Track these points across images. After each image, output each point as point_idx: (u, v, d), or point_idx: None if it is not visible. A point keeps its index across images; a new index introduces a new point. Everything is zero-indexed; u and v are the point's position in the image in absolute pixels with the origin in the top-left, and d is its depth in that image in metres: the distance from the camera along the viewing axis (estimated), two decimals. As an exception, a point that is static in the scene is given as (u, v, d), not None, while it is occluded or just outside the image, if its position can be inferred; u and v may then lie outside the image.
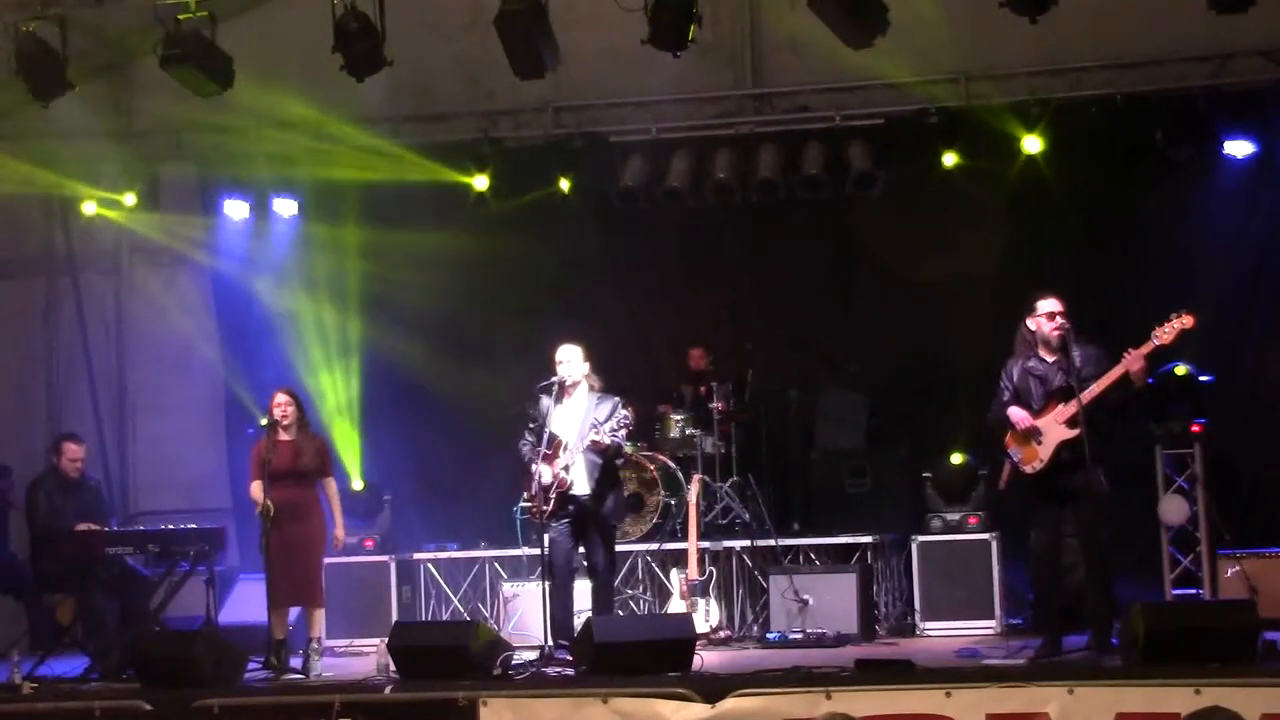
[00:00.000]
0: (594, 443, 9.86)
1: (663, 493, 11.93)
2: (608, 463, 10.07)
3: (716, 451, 12.19)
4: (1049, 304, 9.28)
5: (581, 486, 9.97)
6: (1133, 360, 8.96)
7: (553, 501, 9.91)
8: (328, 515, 10.48)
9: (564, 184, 12.77)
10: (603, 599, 10.14)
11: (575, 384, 10.10)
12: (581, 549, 10.16)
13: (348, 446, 12.83)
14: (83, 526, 10.77)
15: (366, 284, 13.42)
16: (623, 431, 10.01)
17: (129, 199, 13.32)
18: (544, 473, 9.88)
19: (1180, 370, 11.38)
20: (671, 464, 12.13)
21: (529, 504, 10.16)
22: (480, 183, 12.83)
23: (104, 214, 13.54)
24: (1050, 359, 9.26)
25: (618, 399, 10.11)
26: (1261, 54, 11.79)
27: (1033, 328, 9.32)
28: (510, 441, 10.45)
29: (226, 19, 11.67)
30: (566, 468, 9.92)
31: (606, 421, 9.91)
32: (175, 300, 14.09)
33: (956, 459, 11.89)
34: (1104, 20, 12.01)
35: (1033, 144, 12.03)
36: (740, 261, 13.06)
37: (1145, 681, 7.99)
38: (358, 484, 12.64)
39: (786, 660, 9.46)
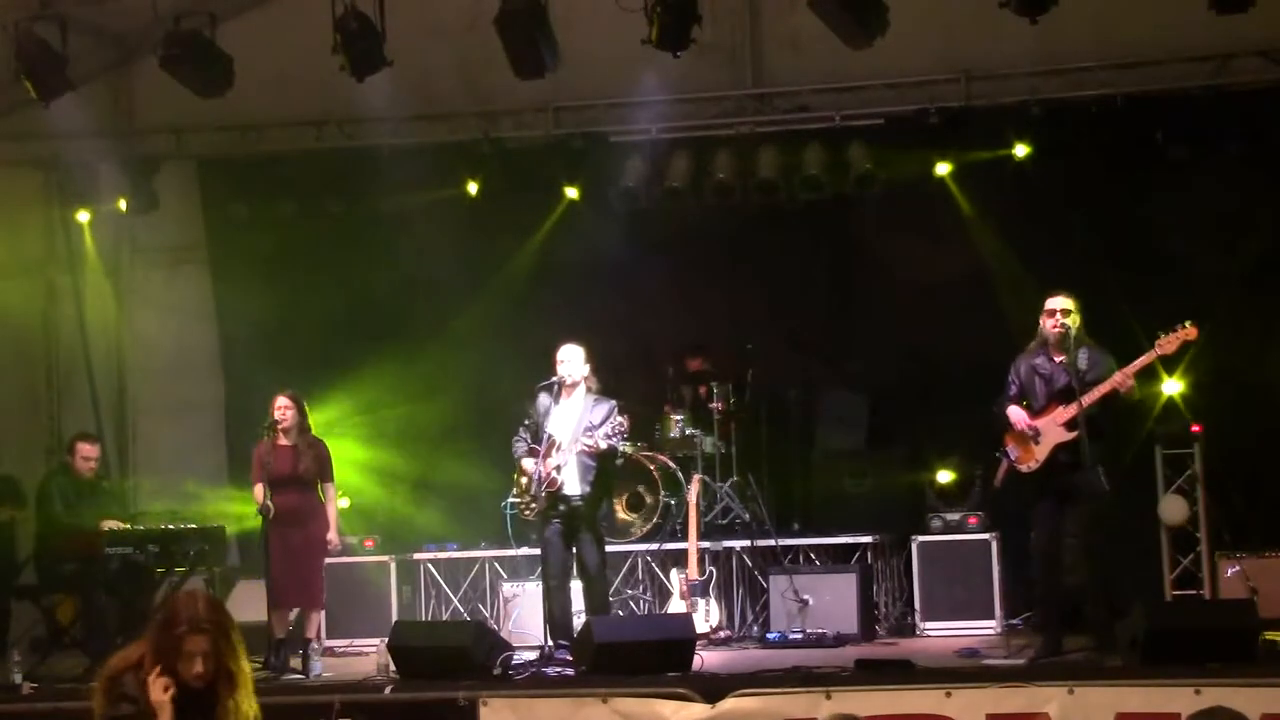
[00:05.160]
0: (587, 447, 9.88)
1: (663, 493, 11.92)
2: (602, 465, 10.07)
3: (716, 451, 12.19)
4: (1054, 301, 9.33)
5: (573, 487, 9.97)
6: (1122, 379, 9.01)
7: (543, 499, 9.92)
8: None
9: (571, 191, 12.79)
10: (597, 599, 10.13)
11: (574, 384, 10.11)
12: (574, 549, 10.16)
13: (348, 448, 12.80)
14: (109, 524, 10.79)
15: (366, 283, 13.42)
16: (617, 438, 10.01)
17: (126, 201, 13.27)
18: (531, 468, 9.89)
19: (1175, 394, 11.41)
20: (671, 464, 12.12)
21: (518, 499, 10.18)
22: (478, 184, 12.83)
23: (104, 214, 13.52)
24: (1058, 359, 9.29)
25: (614, 402, 10.11)
26: (1261, 54, 11.78)
27: (1041, 323, 9.35)
28: (510, 441, 10.45)
29: (226, 19, 11.69)
30: (559, 467, 9.92)
31: (601, 426, 9.91)
32: (175, 300, 14.09)
33: (945, 476, 11.92)
34: (1104, 20, 12.01)
35: (1032, 144, 12.03)
36: (740, 261, 13.04)
37: (1145, 681, 8.01)
38: (344, 501, 12.47)
39: (786, 660, 9.47)
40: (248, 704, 5.68)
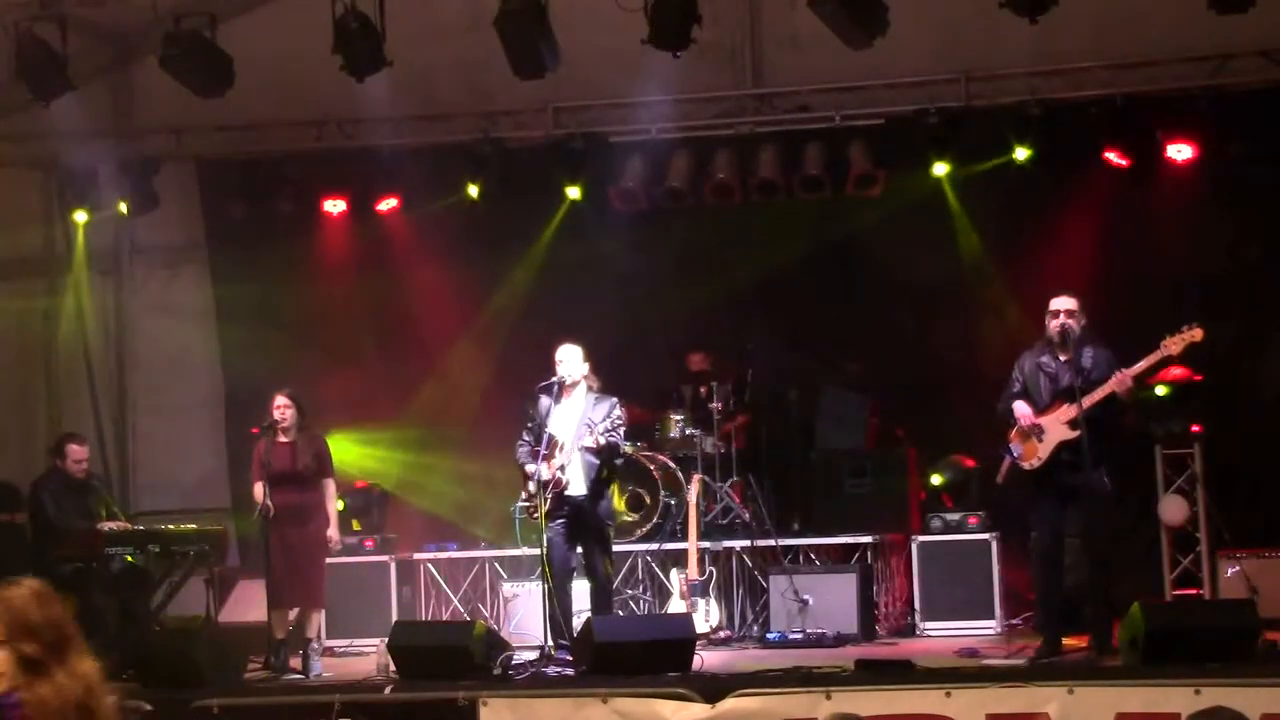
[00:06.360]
0: (588, 446, 9.86)
1: (663, 493, 11.92)
2: (604, 463, 10.06)
3: (716, 451, 12.18)
4: (1058, 301, 9.35)
5: (577, 486, 9.96)
6: (1120, 381, 9.02)
7: (549, 500, 9.90)
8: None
9: (573, 191, 12.78)
10: (602, 600, 10.13)
11: (574, 384, 10.10)
12: (579, 550, 10.15)
13: (348, 449, 12.81)
14: (110, 525, 10.76)
15: (365, 283, 13.42)
16: (617, 433, 9.99)
17: (126, 203, 13.24)
18: (541, 471, 9.88)
19: (1162, 390, 11.40)
20: (671, 464, 12.12)
21: (527, 503, 10.16)
22: (478, 184, 12.82)
23: (103, 214, 13.50)
24: (1064, 358, 9.29)
25: (614, 400, 10.11)
26: (1261, 54, 11.77)
27: (1047, 323, 9.37)
28: (511, 441, 10.44)
29: (226, 19, 11.69)
30: (563, 467, 9.91)
31: (601, 422, 9.91)
32: (175, 300, 14.09)
33: (936, 480, 11.93)
34: (1104, 20, 12.00)
35: (1032, 144, 12.01)
36: (740, 262, 13.04)
37: (1145, 681, 8.01)
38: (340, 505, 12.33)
39: (786, 660, 9.46)
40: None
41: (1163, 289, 11.72)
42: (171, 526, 10.99)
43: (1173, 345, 9.06)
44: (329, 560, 10.72)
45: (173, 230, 14.01)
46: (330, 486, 10.57)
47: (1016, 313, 11.41)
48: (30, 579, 4.71)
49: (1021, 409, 9.34)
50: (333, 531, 10.49)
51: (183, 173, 13.73)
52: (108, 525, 10.87)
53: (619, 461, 10.63)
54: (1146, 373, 9.34)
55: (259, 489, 10.20)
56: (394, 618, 11.48)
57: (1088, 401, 9.06)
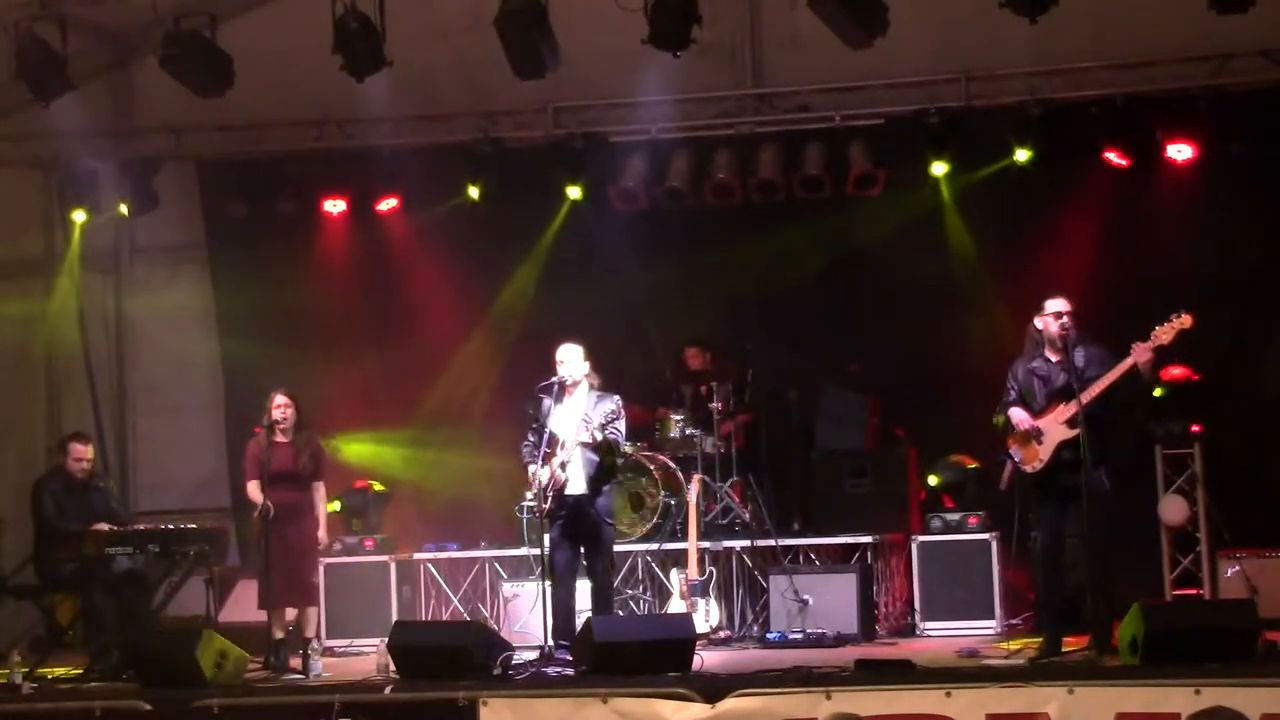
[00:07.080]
0: (585, 442, 9.86)
1: (663, 493, 11.92)
2: (604, 460, 10.05)
3: (716, 451, 12.18)
4: (1056, 304, 9.34)
5: (577, 485, 9.95)
6: (1140, 352, 9.00)
7: (550, 500, 9.90)
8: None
9: (574, 191, 12.77)
10: (602, 600, 10.12)
11: (576, 383, 10.09)
12: (581, 549, 10.15)
13: (348, 448, 12.81)
14: (100, 527, 10.74)
15: (366, 283, 13.43)
16: (615, 426, 9.96)
17: (126, 203, 13.22)
18: (541, 474, 9.88)
19: (1160, 390, 11.39)
20: (671, 464, 12.12)
21: (533, 504, 10.16)
22: (478, 184, 12.82)
23: (103, 214, 13.50)
24: (1055, 359, 9.31)
25: (617, 397, 10.11)
26: (1261, 54, 11.78)
27: (1040, 326, 9.37)
28: (511, 441, 10.44)
29: (226, 19, 11.70)
30: (564, 465, 9.90)
31: (599, 418, 9.89)
32: (175, 300, 14.09)
33: (936, 480, 11.94)
34: (1104, 20, 12.02)
35: (1032, 144, 12.01)
36: (740, 261, 13.03)
37: (1145, 681, 8.01)
38: (335, 505, 12.15)
39: (786, 660, 9.47)
40: None
41: (1163, 289, 11.69)
42: (171, 526, 10.96)
43: (1163, 334, 9.05)
44: (330, 560, 10.73)
45: (173, 230, 14.02)
46: (321, 489, 10.58)
47: (1016, 312, 11.38)
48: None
49: (1018, 414, 9.35)
50: (321, 533, 10.52)
51: (183, 173, 13.74)
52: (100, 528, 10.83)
53: (620, 460, 10.61)
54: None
55: (254, 488, 10.21)
56: (394, 618, 11.48)
57: (1086, 396, 9.06)
